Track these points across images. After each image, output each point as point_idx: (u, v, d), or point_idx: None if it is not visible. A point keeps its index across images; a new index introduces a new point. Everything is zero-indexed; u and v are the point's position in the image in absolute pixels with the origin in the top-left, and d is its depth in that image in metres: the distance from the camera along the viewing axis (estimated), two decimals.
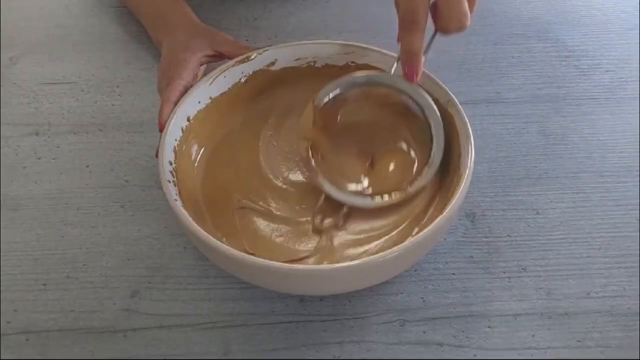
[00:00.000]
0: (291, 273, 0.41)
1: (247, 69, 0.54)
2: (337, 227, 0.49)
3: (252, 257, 0.41)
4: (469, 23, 0.44)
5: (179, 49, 0.56)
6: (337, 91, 0.50)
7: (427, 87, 0.51)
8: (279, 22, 0.71)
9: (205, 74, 0.55)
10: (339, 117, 0.52)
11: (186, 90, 0.52)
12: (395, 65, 0.49)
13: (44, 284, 0.50)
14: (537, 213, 0.53)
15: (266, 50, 0.54)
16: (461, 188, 0.44)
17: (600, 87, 0.64)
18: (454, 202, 0.44)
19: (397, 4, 0.45)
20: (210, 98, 0.53)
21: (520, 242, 0.52)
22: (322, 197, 0.50)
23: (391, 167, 0.51)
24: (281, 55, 0.55)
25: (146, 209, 0.54)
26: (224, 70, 0.53)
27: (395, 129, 0.52)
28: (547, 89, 0.63)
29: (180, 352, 0.46)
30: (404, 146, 0.52)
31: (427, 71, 0.52)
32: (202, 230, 0.43)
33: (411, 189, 0.49)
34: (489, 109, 0.62)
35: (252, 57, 0.54)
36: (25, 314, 0.48)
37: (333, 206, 0.50)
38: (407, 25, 0.45)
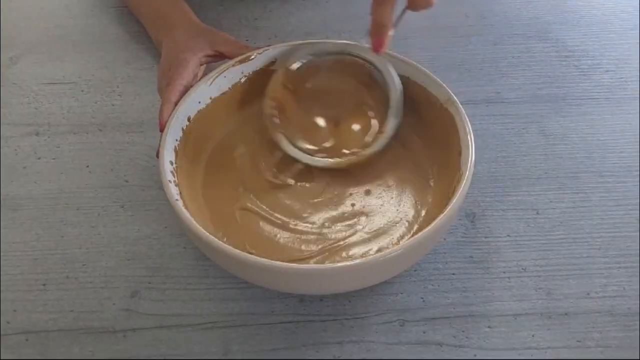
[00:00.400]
0: (291, 272, 0.41)
1: (247, 69, 0.54)
2: (289, 182, 0.51)
3: (253, 256, 0.41)
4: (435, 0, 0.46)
5: (179, 49, 0.56)
6: (310, 57, 0.53)
7: (427, 86, 0.52)
8: (279, 22, 0.71)
9: (205, 74, 0.55)
10: (309, 83, 0.54)
11: (186, 90, 0.52)
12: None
13: (44, 284, 0.50)
14: (537, 213, 0.53)
15: (266, 50, 0.54)
16: (461, 188, 0.44)
17: (600, 87, 0.64)
18: (454, 202, 0.44)
19: None
20: (211, 98, 0.53)
21: (520, 242, 0.52)
22: (280, 154, 0.52)
23: (351, 132, 0.53)
24: (281, 55, 0.55)
25: (146, 209, 0.54)
26: (224, 70, 0.53)
27: (360, 97, 0.54)
28: (547, 89, 0.63)
29: (180, 352, 0.46)
30: (367, 114, 0.53)
31: (427, 70, 0.52)
32: (203, 230, 0.43)
33: (363, 154, 0.51)
34: (489, 109, 0.62)
35: (252, 57, 0.54)
36: (25, 314, 0.48)
37: (288, 164, 0.52)
38: None
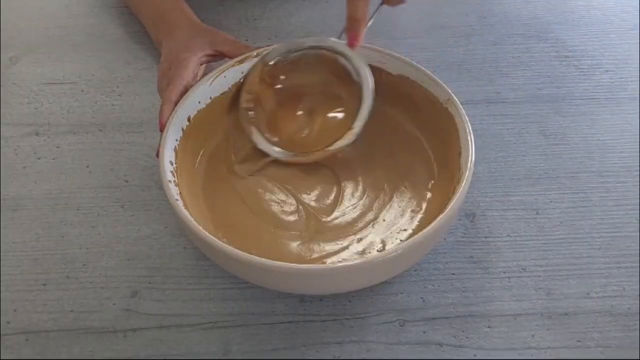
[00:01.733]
0: (291, 272, 0.41)
1: (247, 69, 0.54)
2: (251, 172, 0.52)
3: (253, 256, 0.41)
4: None
5: (179, 48, 0.56)
6: (287, 52, 0.53)
7: (427, 86, 0.52)
8: (279, 22, 0.71)
9: (205, 74, 0.55)
10: (285, 77, 0.54)
11: (186, 90, 0.52)
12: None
13: (44, 284, 0.50)
14: (537, 213, 0.53)
15: (266, 50, 0.54)
16: (461, 188, 0.44)
17: (600, 87, 0.64)
18: (454, 202, 0.44)
19: None
20: (211, 98, 0.53)
21: (520, 242, 0.52)
22: (250, 146, 0.53)
23: (323, 126, 0.54)
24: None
25: (146, 209, 0.54)
26: (224, 70, 0.53)
27: (336, 92, 0.54)
28: (547, 89, 0.63)
29: (180, 352, 0.46)
30: (339, 107, 0.54)
31: (426, 70, 0.52)
32: (203, 230, 0.43)
33: (330, 149, 0.52)
34: (489, 109, 0.62)
35: (252, 57, 0.54)
36: (25, 314, 0.48)
37: (257, 156, 0.53)
38: None
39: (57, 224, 0.53)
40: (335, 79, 0.54)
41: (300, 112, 0.55)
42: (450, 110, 0.50)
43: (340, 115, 0.54)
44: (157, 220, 0.53)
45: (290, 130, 0.54)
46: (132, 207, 0.54)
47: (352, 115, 0.52)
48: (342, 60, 0.52)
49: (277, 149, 0.53)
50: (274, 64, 0.53)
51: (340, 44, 0.52)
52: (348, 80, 0.53)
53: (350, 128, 0.52)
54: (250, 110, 0.53)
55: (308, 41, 0.53)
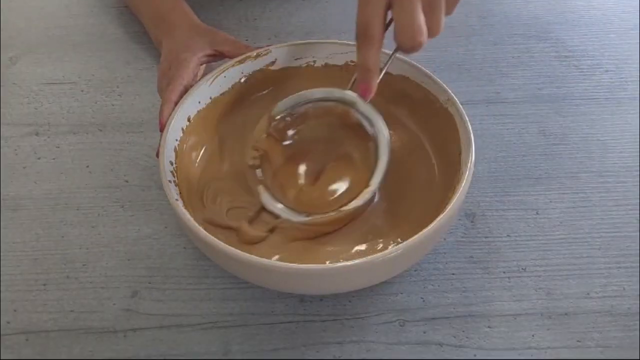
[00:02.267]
0: (291, 272, 0.41)
1: (247, 69, 0.55)
2: (261, 238, 0.48)
3: (253, 256, 0.41)
4: (423, 40, 0.42)
5: (179, 49, 0.56)
6: (295, 105, 0.50)
7: (427, 86, 0.52)
8: (279, 22, 0.71)
9: (205, 74, 0.55)
10: (294, 131, 0.51)
11: (186, 90, 0.52)
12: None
13: (44, 284, 0.50)
14: (537, 213, 0.53)
15: (266, 50, 0.54)
16: (461, 188, 0.44)
17: (600, 87, 0.64)
18: (454, 202, 0.44)
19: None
20: (211, 98, 0.53)
21: (520, 242, 0.52)
22: (259, 207, 0.49)
23: (334, 185, 0.50)
24: (281, 55, 0.55)
25: (146, 209, 0.54)
26: (224, 70, 0.53)
27: (347, 148, 0.51)
28: (547, 89, 0.63)
29: (180, 352, 0.46)
30: (351, 166, 0.51)
31: (426, 70, 0.52)
32: (202, 230, 0.43)
33: (345, 209, 0.48)
34: (489, 109, 0.62)
35: (252, 57, 0.54)
36: (25, 314, 0.48)
37: (266, 217, 0.49)
38: (361, 40, 0.44)
39: (57, 224, 0.53)
40: (346, 132, 0.50)
41: (310, 169, 0.51)
42: (450, 110, 0.50)
43: (351, 174, 0.50)
44: (157, 220, 0.53)
45: (300, 188, 0.50)
46: (132, 207, 0.54)
47: (366, 171, 0.48)
48: (354, 113, 0.49)
49: (287, 209, 0.48)
50: (281, 118, 0.50)
51: (351, 95, 0.48)
52: (361, 133, 0.49)
53: (366, 185, 0.48)
54: (257, 168, 0.50)
55: (316, 93, 0.50)
